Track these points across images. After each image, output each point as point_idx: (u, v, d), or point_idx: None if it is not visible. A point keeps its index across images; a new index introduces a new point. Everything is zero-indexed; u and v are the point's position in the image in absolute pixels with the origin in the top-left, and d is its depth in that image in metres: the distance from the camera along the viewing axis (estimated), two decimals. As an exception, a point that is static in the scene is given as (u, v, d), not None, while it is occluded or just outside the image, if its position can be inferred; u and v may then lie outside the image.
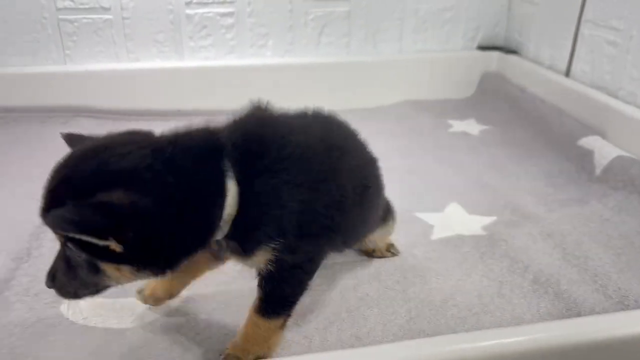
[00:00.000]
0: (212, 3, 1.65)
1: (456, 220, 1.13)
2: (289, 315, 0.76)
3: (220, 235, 0.68)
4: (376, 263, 0.96)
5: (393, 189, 0.93)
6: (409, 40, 1.83)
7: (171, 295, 0.86)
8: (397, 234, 0.99)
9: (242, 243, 0.70)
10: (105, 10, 1.61)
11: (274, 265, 0.70)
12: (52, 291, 0.69)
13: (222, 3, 1.66)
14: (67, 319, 0.83)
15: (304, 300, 0.78)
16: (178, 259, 0.66)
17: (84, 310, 0.85)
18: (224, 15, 1.67)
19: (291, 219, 0.68)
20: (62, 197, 0.61)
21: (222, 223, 0.66)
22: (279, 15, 1.71)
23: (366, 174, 0.83)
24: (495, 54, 1.90)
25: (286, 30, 1.73)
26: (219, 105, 1.67)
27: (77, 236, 0.59)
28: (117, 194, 0.60)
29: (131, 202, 0.60)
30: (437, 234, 1.07)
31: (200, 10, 1.66)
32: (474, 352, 0.67)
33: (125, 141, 0.65)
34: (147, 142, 0.65)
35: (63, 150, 0.66)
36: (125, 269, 0.64)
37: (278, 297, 0.74)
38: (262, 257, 0.70)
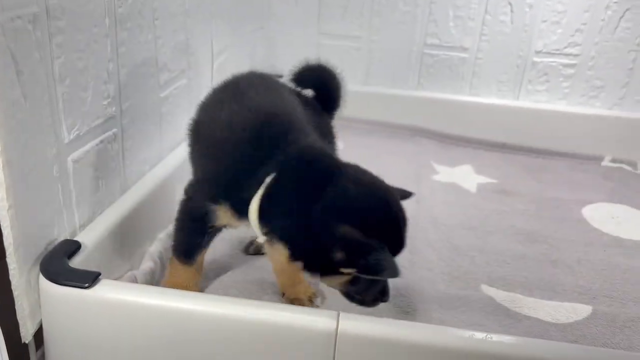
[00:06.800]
0: (558, 54, 1.81)
1: None
2: None
3: None
4: None
5: None
6: None
7: None
8: None
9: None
10: (464, 50, 1.86)
11: None
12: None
13: (568, 55, 1.81)
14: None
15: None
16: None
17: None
18: (566, 66, 1.83)
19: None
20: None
21: None
22: (618, 72, 1.81)
23: None
24: None
25: (621, 86, 1.83)
26: (542, 144, 1.85)
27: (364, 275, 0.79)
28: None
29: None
30: None
31: (547, 60, 1.83)
32: None
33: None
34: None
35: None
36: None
37: None
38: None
